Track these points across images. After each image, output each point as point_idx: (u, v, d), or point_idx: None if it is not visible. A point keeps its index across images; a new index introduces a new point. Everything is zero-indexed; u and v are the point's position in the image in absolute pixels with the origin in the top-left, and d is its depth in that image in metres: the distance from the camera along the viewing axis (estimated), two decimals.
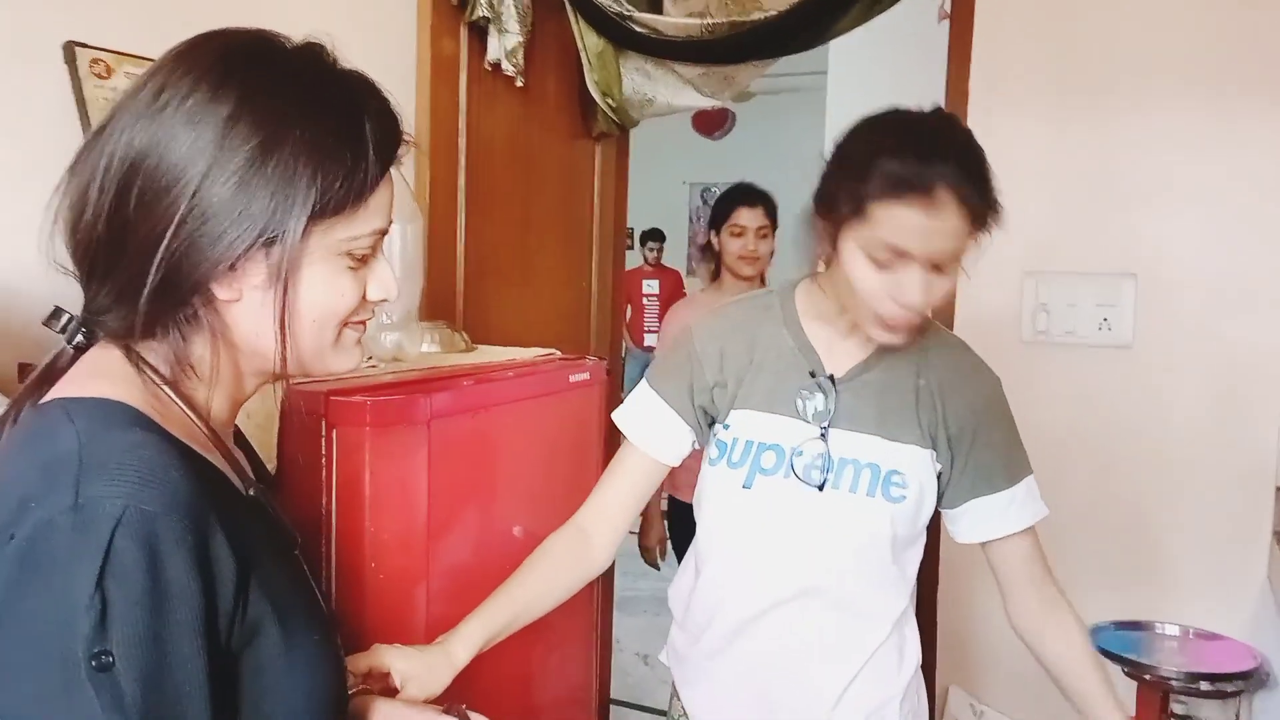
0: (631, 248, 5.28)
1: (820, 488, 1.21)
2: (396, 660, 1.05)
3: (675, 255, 7.79)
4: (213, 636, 0.68)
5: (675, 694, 1.40)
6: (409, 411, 1.22)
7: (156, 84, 0.73)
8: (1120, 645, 2.12)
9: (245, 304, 0.76)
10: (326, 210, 0.75)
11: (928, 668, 2.50)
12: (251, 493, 0.81)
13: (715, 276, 2.86)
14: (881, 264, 1.10)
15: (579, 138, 2.66)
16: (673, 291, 7.14)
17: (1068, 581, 2.31)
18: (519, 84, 2.28)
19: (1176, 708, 2.07)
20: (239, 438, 0.92)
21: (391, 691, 1.03)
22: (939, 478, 1.25)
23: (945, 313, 2.40)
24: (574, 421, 1.64)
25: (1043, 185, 2.32)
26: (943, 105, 2.38)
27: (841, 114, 1.36)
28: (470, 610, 1.24)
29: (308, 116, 0.74)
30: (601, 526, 1.29)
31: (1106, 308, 2.29)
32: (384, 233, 0.81)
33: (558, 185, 2.60)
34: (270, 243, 0.73)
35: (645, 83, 2.53)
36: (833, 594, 1.24)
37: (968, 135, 1.14)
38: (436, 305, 1.98)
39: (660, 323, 7.01)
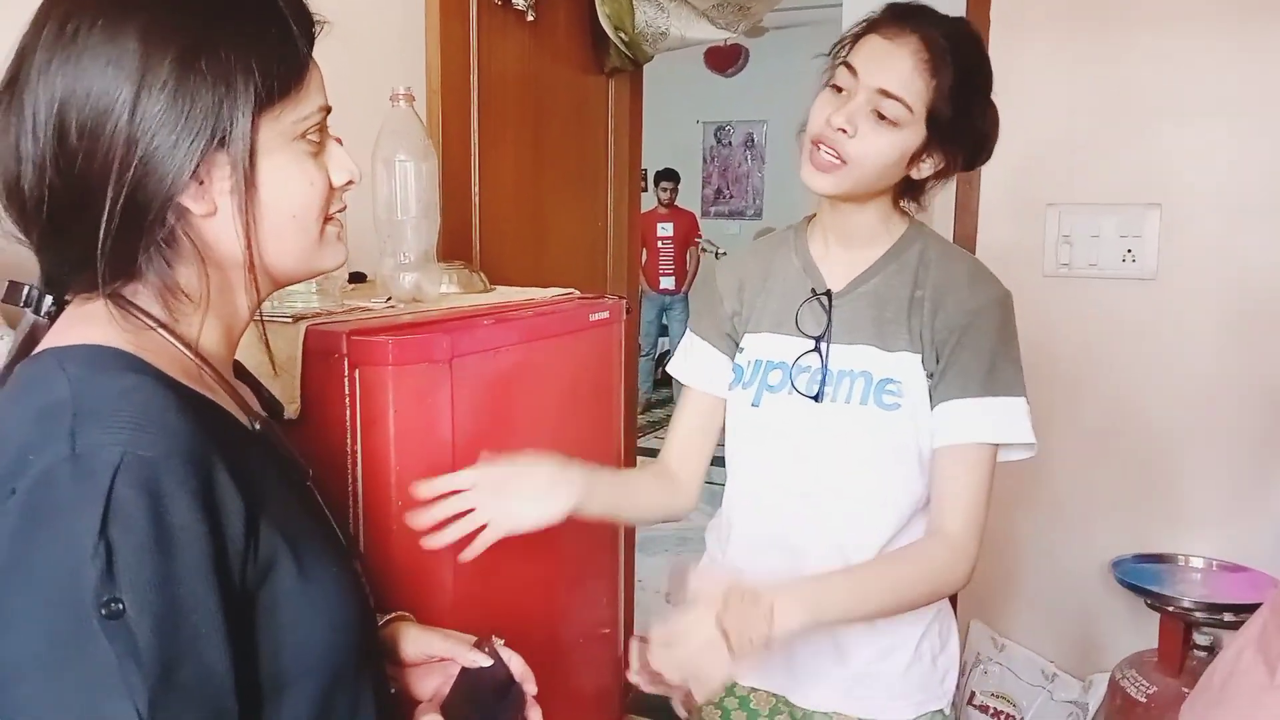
0: (645, 189, 5.22)
1: (817, 399, 1.23)
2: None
3: (689, 196, 7.71)
4: (225, 576, 0.68)
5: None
6: (431, 350, 1.21)
7: (59, 16, 0.71)
8: (1142, 577, 2.12)
9: (222, 216, 0.75)
10: (272, 96, 0.75)
11: (949, 603, 2.51)
12: (257, 426, 0.80)
13: None
14: (834, 88, 1.17)
15: (592, 74, 2.62)
16: (687, 234, 7.09)
17: (1090, 514, 2.33)
18: (530, 18, 2.23)
19: (1200, 639, 2.07)
20: (241, 372, 0.91)
21: None
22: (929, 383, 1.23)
23: (967, 246, 2.37)
24: (594, 359, 1.63)
25: (1065, 115, 2.28)
26: None
27: None
28: (497, 546, 1.26)
29: (224, 9, 0.73)
30: (683, 465, 1.37)
31: (1131, 239, 2.26)
32: (328, 110, 0.81)
33: (571, 123, 2.56)
34: (224, 142, 0.73)
35: (658, 15, 2.47)
36: (839, 508, 1.24)
37: (978, 40, 1.21)
38: (452, 246, 1.96)
39: (674, 265, 7.00)
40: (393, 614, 1.01)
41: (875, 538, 1.23)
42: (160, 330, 0.75)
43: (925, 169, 1.21)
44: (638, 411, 2.62)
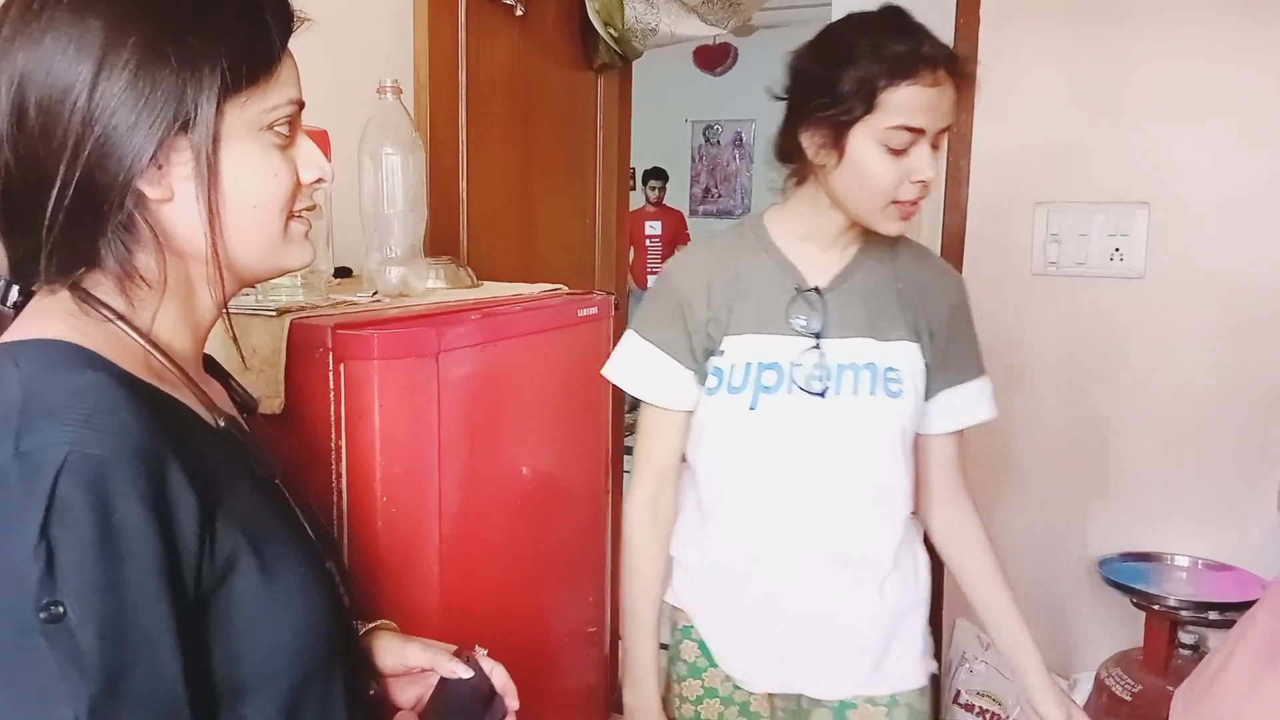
0: (633, 188, 5.22)
1: (822, 395, 1.24)
2: None
3: (677, 194, 7.70)
4: (178, 579, 0.66)
5: (680, 634, 1.40)
6: (417, 344, 1.20)
7: None
8: (1129, 576, 2.13)
9: (180, 203, 0.73)
10: (240, 82, 0.73)
11: (935, 601, 2.51)
12: (221, 424, 0.78)
13: None
14: (897, 149, 1.14)
15: (580, 70, 2.60)
16: (675, 232, 7.07)
17: (1077, 513, 2.33)
18: (519, 12, 2.22)
19: (1185, 638, 2.08)
20: (212, 367, 0.89)
21: None
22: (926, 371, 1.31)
23: (955, 244, 2.37)
24: (583, 355, 1.61)
25: (1055, 111, 2.28)
26: (954, 29, 2.33)
27: None
28: (484, 544, 1.29)
29: None
30: (667, 494, 1.36)
31: (1119, 238, 2.26)
32: (300, 104, 0.79)
33: (560, 119, 2.54)
34: (186, 126, 0.71)
35: (648, 11, 2.46)
36: (846, 501, 1.27)
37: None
38: (439, 241, 1.95)
39: (662, 263, 6.99)
40: (374, 623, 0.99)
41: (871, 519, 1.29)
42: (119, 323, 0.73)
43: None
44: (625, 409, 2.62)
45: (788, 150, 1.25)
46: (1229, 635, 1.19)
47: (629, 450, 1.62)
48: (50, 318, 0.72)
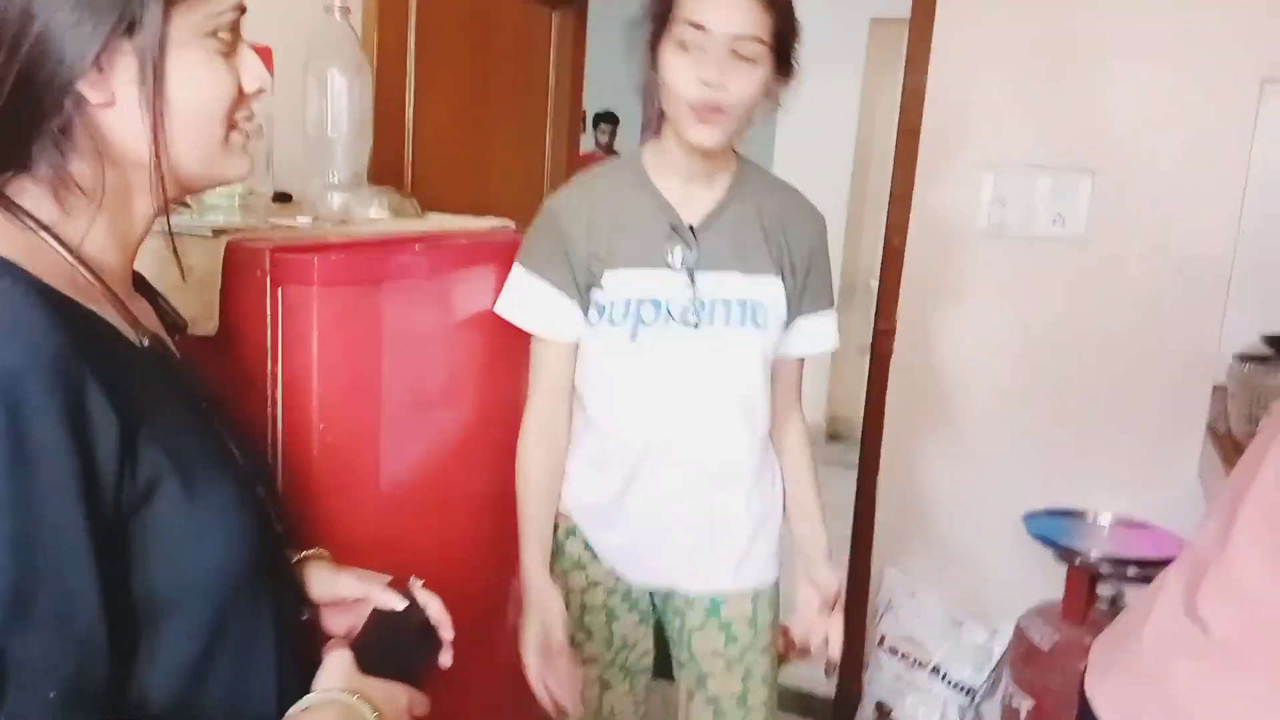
0: (584, 130, 5.14)
1: (696, 326, 1.34)
2: None
3: (628, 139, 7.62)
4: (94, 497, 0.64)
5: (565, 534, 1.49)
6: (360, 271, 1.17)
7: None
8: (1052, 530, 2.19)
9: (121, 108, 0.71)
10: None
11: (864, 549, 2.57)
12: (146, 343, 0.75)
13: None
14: (687, 45, 1.22)
15: (536, 2, 2.55)
16: None
17: (1006, 468, 2.39)
18: None
19: (1104, 591, 2.15)
20: (143, 286, 0.86)
21: None
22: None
23: (902, 203, 2.38)
24: None
25: (1008, 74, 2.29)
26: None
27: None
28: (423, 476, 1.28)
29: None
30: (557, 417, 1.43)
31: (1063, 202, 2.29)
32: (243, 9, 0.77)
33: (512, 52, 2.49)
34: (131, 28, 0.68)
35: None
36: (716, 421, 1.40)
37: None
38: (384, 172, 1.90)
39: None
40: (306, 552, 0.97)
41: (742, 437, 1.42)
42: (43, 233, 0.70)
43: (774, 92, 1.31)
44: None
45: (650, 85, 1.33)
46: (1145, 591, 1.23)
47: None
48: None
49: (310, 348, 1.12)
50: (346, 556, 1.00)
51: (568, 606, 1.44)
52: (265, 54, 1.10)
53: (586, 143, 6.14)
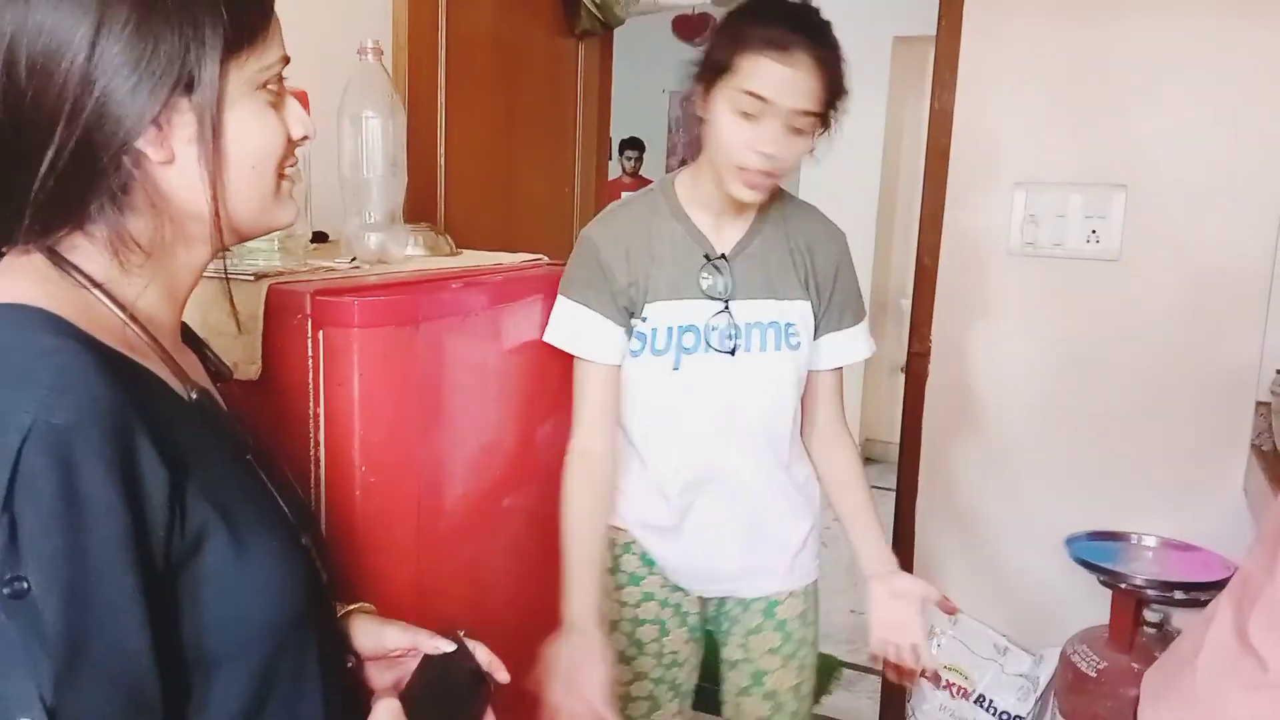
0: (610, 157, 5.17)
1: (732, 353, 1.40)
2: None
3: (654, 165, 7.65)
4: (145, 551, 0.64)
5: (620, 549, 1.51)
6: (398, 312, 1.18)
7: None
8: (1096, 555, 2.15)
9: (180, 165, 0.72)
10: (240, 42, 0.72)
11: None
12: (194, 396, 0.76)
13: None
14: (746, 115, 1.27)
15: (561, 36, 2.57)
16: None
17: (1046, 491, 2.36)
18: None
19: (1150, 616, 2.11)
20: (191, 338, 0.87)
21: None
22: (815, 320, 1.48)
23: (933, 223, 2.37)
24: None
25: (1036, 92, 2.27)
26: (939, 9, 2.32)
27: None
28: (464, 515, 1.27)
29: None
30: (600, 442, 1.43)
31: (1096, 220, 2.27)
32: (287, 60, 0.79)
33: (540, 85, 2.51)
34: (190, 87, 0.70)
35: None
36: (759, 442, 1.46)
37: (826, 22, 1.31)
38: (417, 207, 1.92)
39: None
40: (352, 605, 0.97)
41: (784, 453, 1.49)
42: (95, 291, 0.71)
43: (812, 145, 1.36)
44: None
45: (691, 114, 1.38)
46: (1198, 618, 1.20)
47: None
48: (20, 279, 0.69)
49: (351, 390, 1.13)
50: (387, 602, 1.00)
51: (620, 621, 1.47)
52: (302, 98, 1.13)
53: (613, 169, 6.17)
